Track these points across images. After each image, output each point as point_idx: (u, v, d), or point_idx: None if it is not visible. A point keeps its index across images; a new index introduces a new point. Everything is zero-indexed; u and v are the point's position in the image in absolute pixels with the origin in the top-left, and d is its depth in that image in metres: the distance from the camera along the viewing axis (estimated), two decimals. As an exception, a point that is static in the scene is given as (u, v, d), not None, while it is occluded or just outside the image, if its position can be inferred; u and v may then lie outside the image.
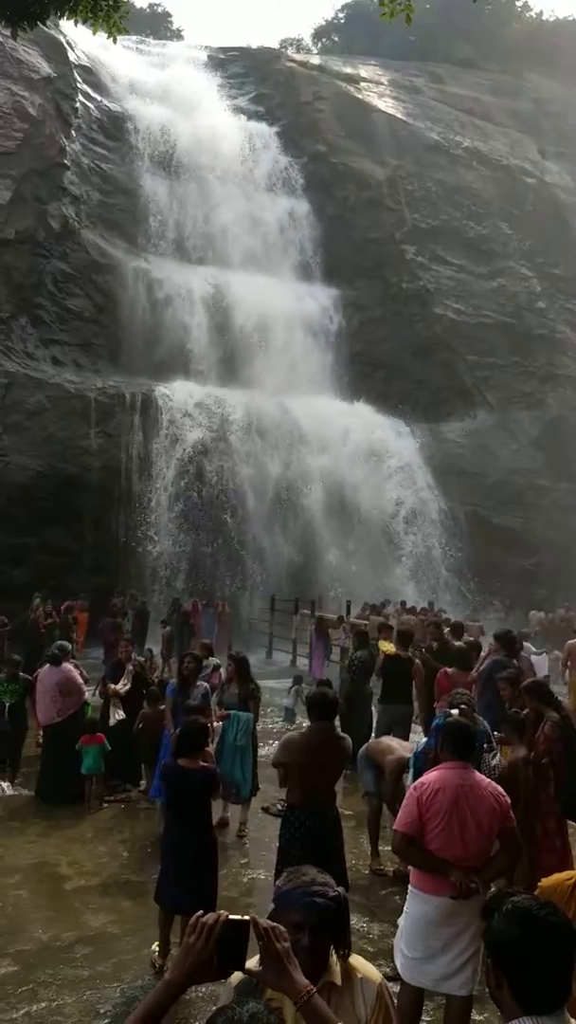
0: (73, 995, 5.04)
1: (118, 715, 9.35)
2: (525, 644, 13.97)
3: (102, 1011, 4.89)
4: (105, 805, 8.94)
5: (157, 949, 5.50)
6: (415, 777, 5.43)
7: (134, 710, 9.30)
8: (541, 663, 14.63)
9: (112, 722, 9.26)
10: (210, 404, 23.75)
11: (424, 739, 6.52)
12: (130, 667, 9.95)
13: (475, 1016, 4.49)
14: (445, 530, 25.98)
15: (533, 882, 4.02)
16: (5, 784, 9.30)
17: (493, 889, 4.36)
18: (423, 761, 5.81)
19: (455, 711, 5.66)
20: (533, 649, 15.29)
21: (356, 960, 2.44)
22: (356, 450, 25.66)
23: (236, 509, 22.72)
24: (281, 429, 24.52)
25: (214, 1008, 1.86)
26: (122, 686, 9.66)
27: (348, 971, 2.38)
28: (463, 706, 6.02)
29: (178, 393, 23.65)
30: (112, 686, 9.71)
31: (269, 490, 23.51)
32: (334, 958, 2.36)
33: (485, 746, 6.26)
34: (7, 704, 9.41)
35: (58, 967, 5.39)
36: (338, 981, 2.33)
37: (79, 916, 6.20)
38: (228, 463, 22.99)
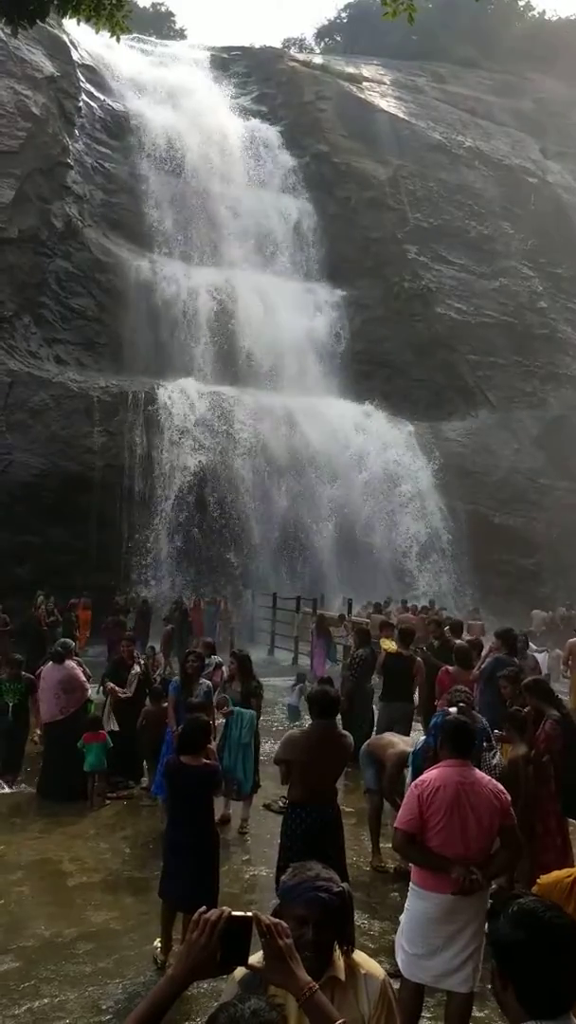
0: (75, 991, 5.06)
1: (111, 725, 9.35)
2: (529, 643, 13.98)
3: (104, 1007, 4.90)
4: (107, 802, 8.96)
5: (159, 945, 5.51)
6: (414, 776, 5.44)
7: (136, 710, 9.32)
8: (542, 661, 14.68)
9: (106, 730, 9.25)
10: (214, 421, 23.33)
11: (423, 737, 6.53)
12: (136, 669, 9.93)
13: (476, 1013, 4.50)
14: (456, 563, 25.43)
15: (533, 880, 4.02)
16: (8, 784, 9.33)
17: (494, 887, 4.37)
18: (422, 759, 5.82)
19: (454, 709, 5.67)
20: (535, 648, 15.30)
21: (359, 956, 2.45)
22: (371, 477, 25.09)
23: (241, 545, 22.22)
24: (290, 447, 23.94)
25: (216, 1004, 1.87)
26: (123, 693, 9.66)
27: (351, 967, 2.39)
28: (462, 704, 6.04)
29: (179, 396, 23.51)
30: (112, 686, 9.73)
31: (276, 527, 22.88)
32: (338, 953, 2.38)
33: (485, 744, 6.27)
34: (10, 704, 9.43)
35: (60, 963, 5.40)
36: (342, 976, 2.34)
37: (81, 912, 6.21)
38: (231, 494, 22.49)
